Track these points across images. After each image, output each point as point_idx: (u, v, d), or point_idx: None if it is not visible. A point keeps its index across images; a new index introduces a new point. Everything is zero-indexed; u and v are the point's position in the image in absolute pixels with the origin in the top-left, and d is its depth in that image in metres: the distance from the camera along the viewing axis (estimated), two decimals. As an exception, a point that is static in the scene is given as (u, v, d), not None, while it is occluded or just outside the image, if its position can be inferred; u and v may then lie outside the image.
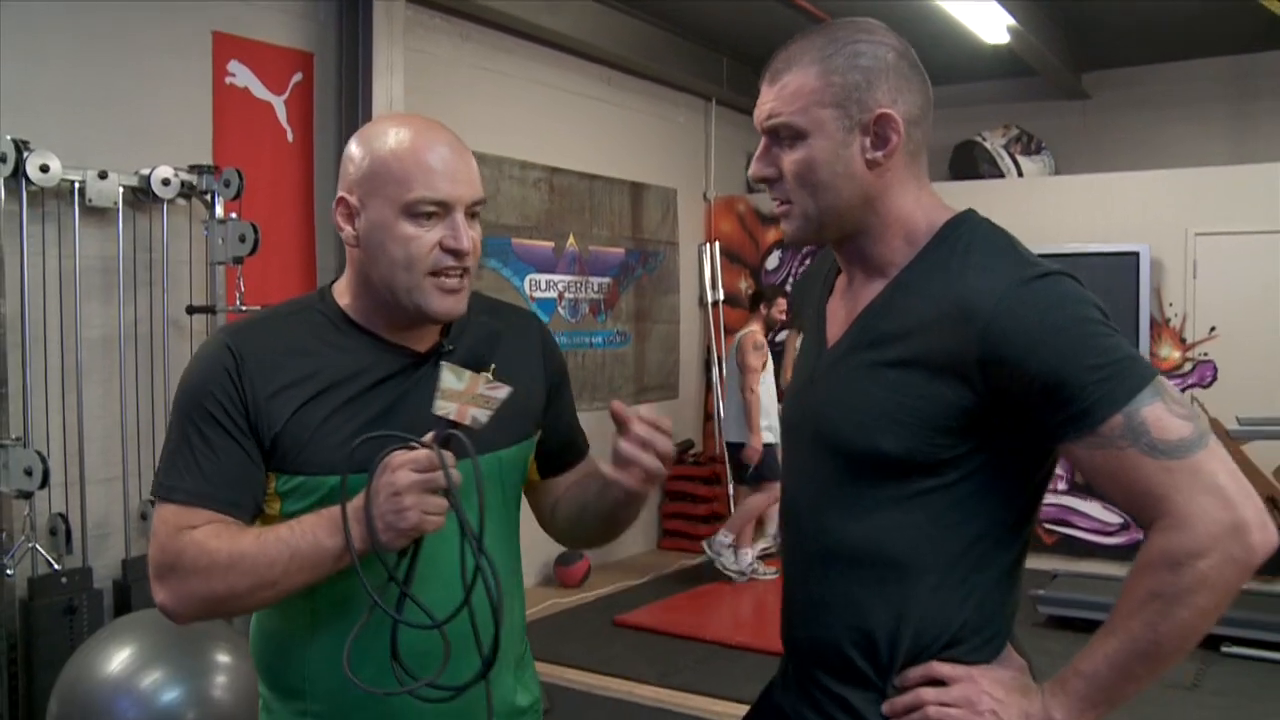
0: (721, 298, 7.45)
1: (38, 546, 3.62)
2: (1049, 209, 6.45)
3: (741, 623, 5.49)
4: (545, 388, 1.63)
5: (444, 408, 1.34)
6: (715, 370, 7.36)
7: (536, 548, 5.95)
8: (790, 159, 1.34)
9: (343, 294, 1.52)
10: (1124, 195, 6.31)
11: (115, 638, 3.28)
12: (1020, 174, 6.86)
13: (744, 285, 7.44)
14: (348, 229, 1.46)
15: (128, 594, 3.93)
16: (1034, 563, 5.57)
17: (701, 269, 7.47)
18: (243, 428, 1.41)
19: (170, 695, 3.13)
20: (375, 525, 1.31)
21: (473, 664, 1.39)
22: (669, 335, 7.26)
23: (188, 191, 4.07)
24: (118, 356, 3.96)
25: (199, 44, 4.32)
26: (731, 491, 6.99)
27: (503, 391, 1.37)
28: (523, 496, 1.67)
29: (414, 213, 1.41)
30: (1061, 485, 6.46)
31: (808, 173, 1.33)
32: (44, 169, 3.58)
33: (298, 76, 4.73)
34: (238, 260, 4.04)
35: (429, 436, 1.34)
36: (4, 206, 3.54)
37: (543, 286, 6.25)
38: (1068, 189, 6.56)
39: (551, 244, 6.29)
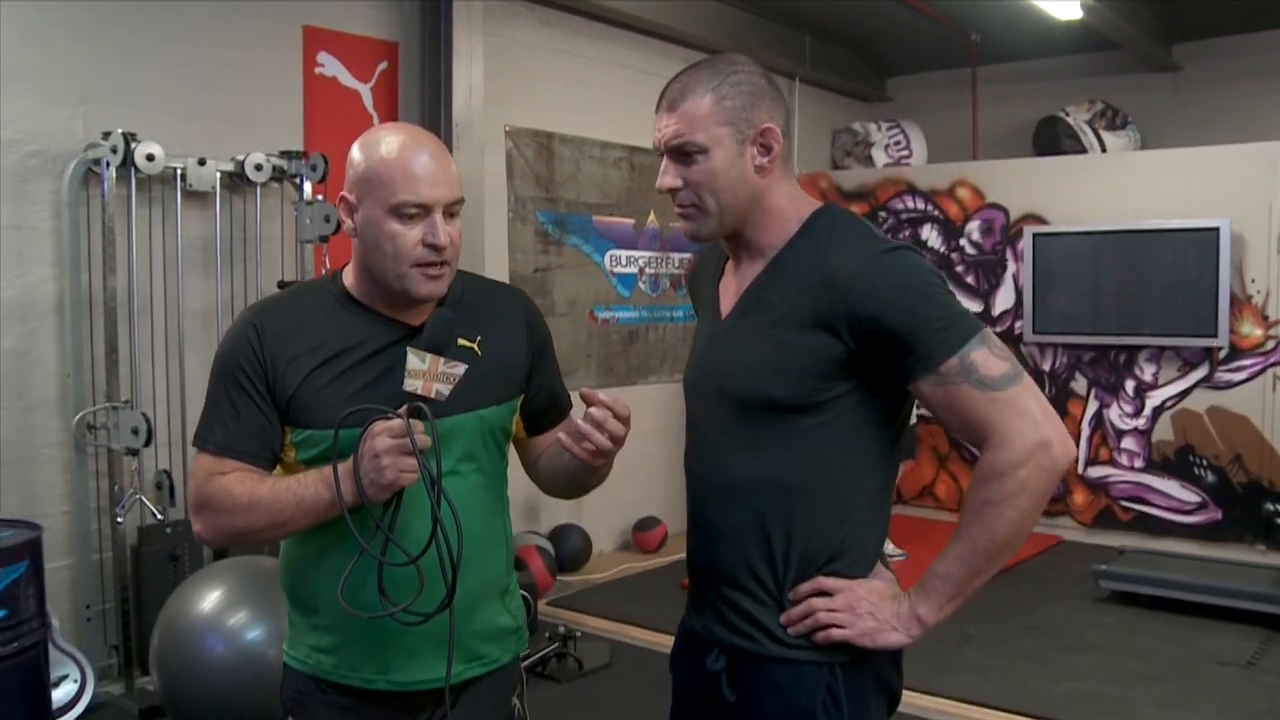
0: (803, 273, 7.55)
1: (144, 499, 4.01)
2: (1130, 185, 6.40)
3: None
4: (528, 356, 1.87)
5: (411, 385, 1.61)
6: (796, 344, 7.49)
7: (616, 514, 6.24)
8: (696, 170, 1.59)
9: (349, 276, 1.78)
10: (1207, 169, 6.20)
11: (207, 581, 3.64)
12: (1104, 149, 6.80)
13: (824, 260, 7.54)
14: (348, 222, 1.72)
15: (225, 544, 4.31)
16: (1108, 539, 5.60)
17: (783, 244, 7.59)
18: (263, 393, 1.69)
19: (254, 633, 3.47)
20: (362, 482, 1.58)
21: (444, 593, 1.63)
22: (749, 309, 7.42)
23: (279, 175, 4.40)
24: (216, 327, 4.33)
25: (290, 38, 4.65)
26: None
27: (459, 369, 1.63)
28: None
29: (399, 213, 1.66)
30: (1139, 463, 6.44)
31: (711, 180, 1.59)
32: (150, 158, 3.93)
33: (383, 65, 5.03)
34: (323, 239, 4.37)
35: (402, 409, 1.60)
36: (115, 192, 3.91)
37: (623, 262, 6.48)
38: (1150, 164, 6.48)
39: (632, 221, 6.51)
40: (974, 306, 6.80)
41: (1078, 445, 6.55)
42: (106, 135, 3.87)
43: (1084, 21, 5.88)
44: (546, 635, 4.43)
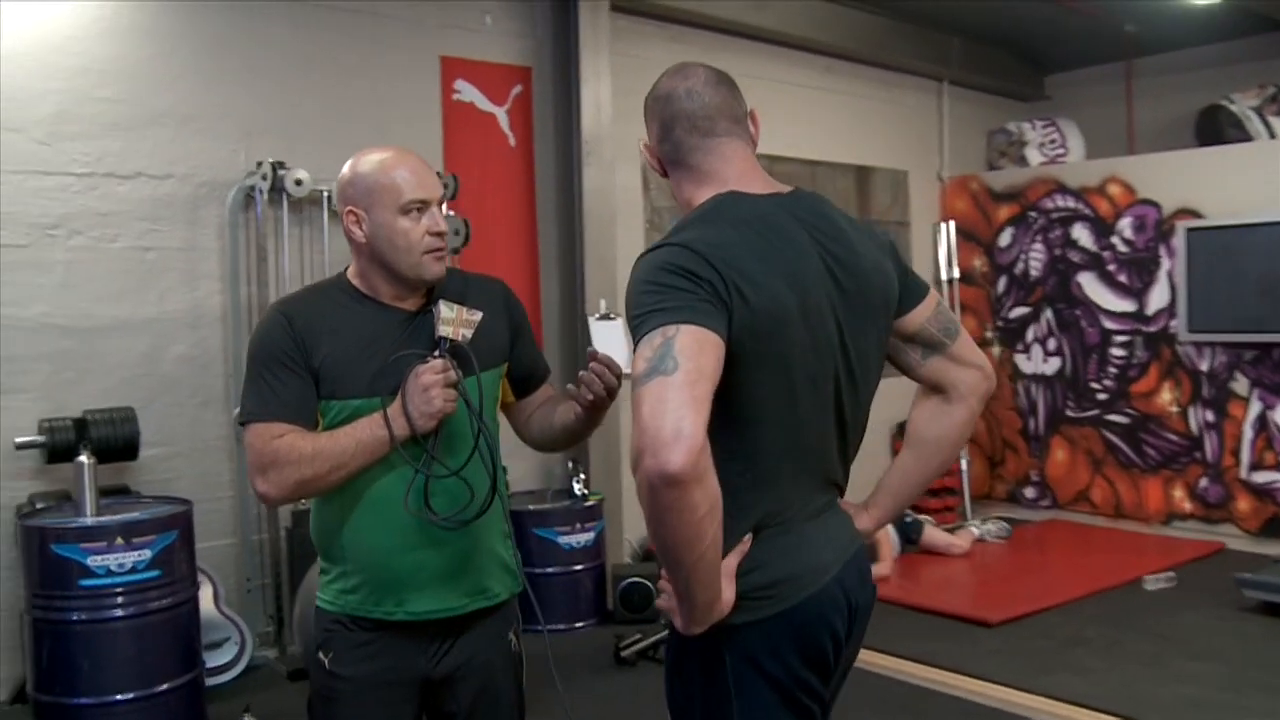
0: (957, 275, 7.53)
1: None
2: (1297, 174, 6.10)
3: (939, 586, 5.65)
4: (509, 332, 2.21)
5: (444, 330, 2.00)
6: (950, 347, 7.46)
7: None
8: None
9: (354, 276, 2.12)
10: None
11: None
12: (1272, 135, 6.48)
13: (978, 263, 7.49)
14: (358, 232, 2.04)
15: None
16: (1277, 548, 5.25)
17: (936, 248, 7.58)
18: (302, 366, 2.04)
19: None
20: (412, 415, 1.97)
21: (474, 509, 2.03)
22: (900, 313, 7.44)
23: (416, 194, 4.84)
24: (361, 333, 4.80)
25: (429, 68, 5.10)
26: (965, 465, 7.15)
27: (478, 316, 2.03)
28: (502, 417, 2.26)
29: (407, 211, 2.02)
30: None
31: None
32: (298, 182, 4.45)
33: (518, 89, 5.42)
34: (455, 251, 4.78)
35: (437, 352, 2.00)
36: (268, 214, 4.47)
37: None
38: (1322, 151, 6.15)
39: (772, 227, 6.67)
40: (1127, 305, 6.63)
41: (1239, 449, 6.27)
42: (259, 165, 4.40)
43: (1237, 3, 5.66)
44: (662, 621, 4.67)
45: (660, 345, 1.48)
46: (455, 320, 2.00)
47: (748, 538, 1.65)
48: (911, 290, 1.86)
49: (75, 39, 4.16)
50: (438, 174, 4.71)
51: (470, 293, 2.13)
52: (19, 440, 3.88)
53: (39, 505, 3.86)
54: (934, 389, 1.90)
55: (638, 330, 1.53)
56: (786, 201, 1.74)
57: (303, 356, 2.02)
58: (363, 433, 1.98)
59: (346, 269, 2.15)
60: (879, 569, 5.63)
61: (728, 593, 1.60)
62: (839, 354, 1.70)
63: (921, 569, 5.90)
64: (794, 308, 1.62)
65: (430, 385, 1.96)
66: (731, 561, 1.63)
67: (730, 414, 1.61)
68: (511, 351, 2.21)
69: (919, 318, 1.86)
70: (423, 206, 2.02)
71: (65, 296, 4.15)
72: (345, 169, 2.08)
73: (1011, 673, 4.21)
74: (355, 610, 2.08)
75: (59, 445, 3.85)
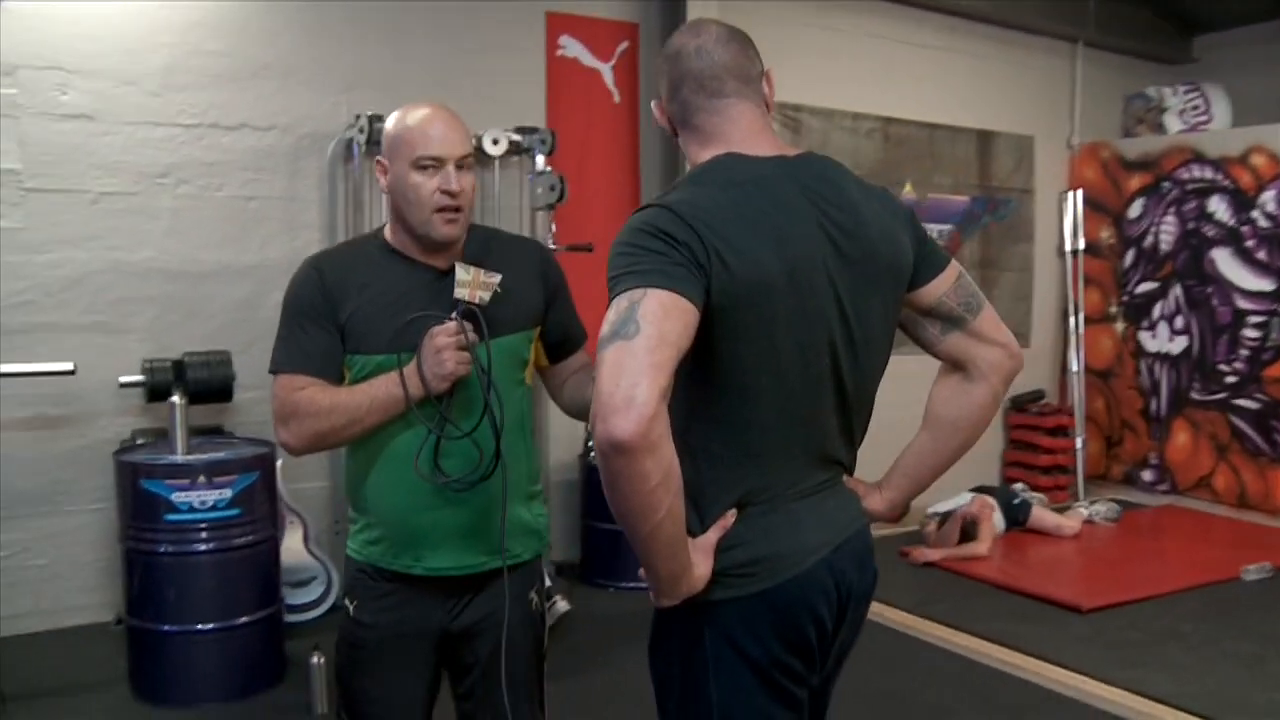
0: (1082, 246, 7.21)
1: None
2: None
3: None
4: (543, 295, 2.20)
5: (460, 293, 2.00)
6: (1073, 320, 7.18)
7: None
8: None
9: (388, 232, 2.14)
10: None
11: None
12: None
13: (1105, 234, 7.15)
14: (382, 182, 2.07)
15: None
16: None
17: (1061, 218, 7.26)
18: (329, 319, 2.07)
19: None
20: (426, 376, 1.99)
21: (481, 472, 2.04)
22: (1020, 284, 7.18)
23: (515, 149, 4.87)
24: (455, 286, 4.87)
25: (534, 23, 5.12)
26: (1080, 444, 6.92)
27: (496, 278, 2.03)
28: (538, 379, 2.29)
29: (419, 166, 2.02)
30: None
31: None
32: (396, 135, 4.51)
33: (624, 45, 5.38)
34: (550, 206, 4.78)
35: (453, 315, 2.00)
36: (365, 165, 4.53)
37: (875, 233, 6.48)
38: None
39: (885, 192, 6.49)
40: (1265, 285, 6.24)
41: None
42: (358, 118, 4.48)
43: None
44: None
45: (626, 309, 1.44)
46: (472, 283, 2.00)
47: (731, 512, 1.61)
48: (929, 261, 1.77)
49: (187, -8, 4.31)
50: (547, 128, 4.80)
51: (494, 254, 2.13)
52: (123, 380, 4.07)
53: (139, 441, 4.06)
54: (955, 366, 1.82)
55: (610, 292, 1.49)
56: (790, 165, 1.66)
57: (330, 310, 2.05)
58: (379, 390, 2.01)
59: (384, 225, 2.18)
60: (975, 548, 5.48)
61: (702, 567, 1.57)
62: (837, 323, 1.62)
63: (1025, 549, 5.71)
64: (779, 274, 1.55)
65: (443, 348, 1.98)
66: (712, 536, 1.60)
67: (713, 382, 1.57)
68: (546, 314, 2.20)
69: (937, 290, 1.77)
70: (437, 164, 2.00)
71: (171, 242, 4.33)
72: (387, 121, 2.10)
73: (1095, 663, 4.04)
74: (378, 561, 2.12)
75: (158, 385, 4.03)
